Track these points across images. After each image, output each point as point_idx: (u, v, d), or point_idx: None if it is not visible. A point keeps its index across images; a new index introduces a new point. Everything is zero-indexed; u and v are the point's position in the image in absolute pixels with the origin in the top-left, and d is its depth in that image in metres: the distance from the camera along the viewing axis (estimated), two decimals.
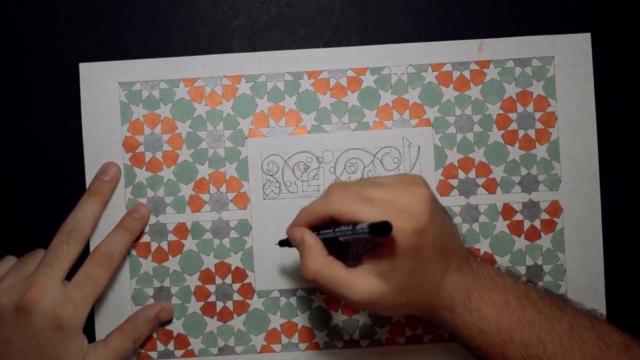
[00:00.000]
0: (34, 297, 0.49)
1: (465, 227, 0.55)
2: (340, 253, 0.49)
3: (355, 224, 0.45)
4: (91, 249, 0.54)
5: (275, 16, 0.56)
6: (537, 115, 0.56)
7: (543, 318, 0.47)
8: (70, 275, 0.51)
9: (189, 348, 0.55)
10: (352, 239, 0.47)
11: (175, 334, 0.55)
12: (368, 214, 0.45)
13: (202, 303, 0.55)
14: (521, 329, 0.47)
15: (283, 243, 0.52)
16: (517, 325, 0.47)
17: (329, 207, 0.47)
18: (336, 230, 0.47)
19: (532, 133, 0.56)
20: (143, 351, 0.55)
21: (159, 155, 0.56)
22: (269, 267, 0.55)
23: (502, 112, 0.56)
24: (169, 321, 0.55)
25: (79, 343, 0.50)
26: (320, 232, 0.48)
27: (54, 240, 0.52)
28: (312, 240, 0.48)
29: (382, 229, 0.43)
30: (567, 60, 0.56)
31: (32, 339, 0.49)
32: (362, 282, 0.46)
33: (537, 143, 0.56)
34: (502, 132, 0.56)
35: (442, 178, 0.55)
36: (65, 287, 0.50)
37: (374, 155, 0.55)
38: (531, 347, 0.46)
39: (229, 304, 0.55)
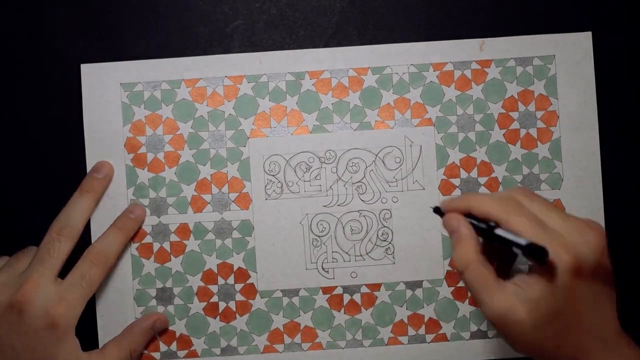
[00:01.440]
0: (26, 295, 0.49)
1: None
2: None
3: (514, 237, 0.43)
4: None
5: (275, 16, 0.56)
6: (539, 114, 0.56)
7: None
8: (63, 273, 0.51)
9: (191, 348, 0.55)
10: (503, 243, 0.44)
11: (178, 334, 0.55)
12: (531, 234, 0.43)
13: (204, 303, 0.55)
14: None
15: (436, 211, 0.48)
16: None
17: (500, 211, 0.45)
18: (495, 229, 0.45)
19: (533, 132, 0.56)
20: (146, 352, 0.55)
21: (160, 155, 0.56)
22: (272, 268, 0.55)
23: (503, 111, 0.56)
24: (165, 330, 0.55)
25: (71, 342, 0.50)
26: (476, 221, 0.46)
27: (46, 237, 0.51)
28: (469, 233, 0.46)
29: (537, 254, 0.41)
30: (569, 59, 0.56)
31: (24, 337, 0.49)
32: (503, 299, 0.43)
33: (538, 142, 0.56)
34: (504, 131, 0.56)
35: (444, 177, 0.55)
36: (59, 286, 0.50)
37: (376, 155, 0.55)
38: None
39: (232, 305, 0.55)
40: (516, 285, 0.44)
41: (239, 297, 0.55)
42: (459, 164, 0.56)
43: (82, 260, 0.52)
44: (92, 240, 0.54)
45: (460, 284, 0.55)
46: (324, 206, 0.55)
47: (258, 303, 0.55)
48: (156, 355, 0.55)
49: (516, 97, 0.56)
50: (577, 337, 0.44)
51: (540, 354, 0.45)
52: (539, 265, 0.43)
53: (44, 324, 0.49)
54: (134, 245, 0.55)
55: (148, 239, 0.55)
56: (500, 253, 0.48)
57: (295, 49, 0.56)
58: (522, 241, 0.42)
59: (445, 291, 0.55)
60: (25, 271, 0.50)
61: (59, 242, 0.51)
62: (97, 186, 0.54)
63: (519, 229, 0.43)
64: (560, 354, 0.44)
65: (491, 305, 0.44)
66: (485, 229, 0.45)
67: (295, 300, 0.55)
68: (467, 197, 0.47)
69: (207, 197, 0.56)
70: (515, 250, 0.42)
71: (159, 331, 0.55)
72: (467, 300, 0.55)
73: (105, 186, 0.55)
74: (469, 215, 0.46)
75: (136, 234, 0.55)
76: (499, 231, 0.44)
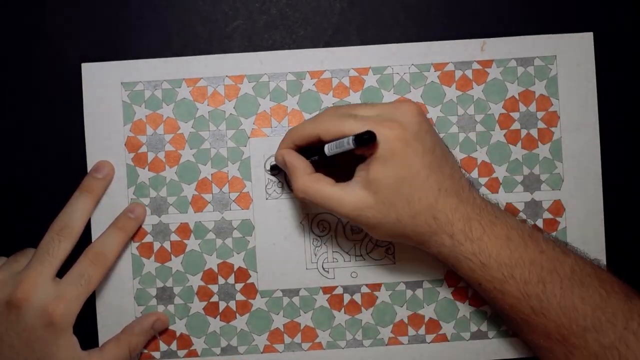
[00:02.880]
0: (24, 293, 0.49)
1: None
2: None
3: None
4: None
5: (275, 16, 0.56)
6: (540, 114, 0.56)
7: (545, 258, 0.47)
8: (61, 273, 0.51)
9: (191, 348, 0.55)
10: (337, 152, 0.47)
11: (178, 334, 0.55)
12: (352, 128, 0.47)
13: (204, 303, 0.55)
14: (522, 266, 0.46)
15: (274, 168, 0.54)
16: (518, 262, 0.47)
17: (316, 125, 0.49)
18: (323, 148, 0.48)
19: (534, 132, 0.56)
20: (146, 351, 0.55)
21: (161, 155, 0.56)
22: (272, 267, 0.55)
23: (504, 111, 0.56)
24: (165, 329, 0.55)
25: (69, 341, 0.50)
26: (311, 158, 0.50)
27: (45, 237, 0.51)
28: (295, 160, 0.50)
29: (365, 139, 0.45)
30: (570, 60, 0.56)
31: (22, 335, 0.49)
32: (350, 194, 0.47)
33: (539, 142, 0.56)
34: (505, 131, 0.56)
35: None
36: (57, 285, 0.50)
37: None
38: (530, 284, 0.46)
39: (232, 304, 0.55)
40: (356, 178, 0.48)
41: (239, 296, 0.55)
42: (459, 164, 0.56)
43: (81, 259, 0.52)
44: (93, 240, 0.54)
45: (461, 284, 0.55)
46: None
47: (258, 303, 0.55)
48: (156, 354, 0.55)
49: (517, 97, 0.56)
50: (429, 197, 0.47)
51: (401, 230, 0.48)
52: (370, 149, 0.46)
53: (42, 322, 0.49)
54: (135, 245, 0.55)
55: (148, 239, 0.55)
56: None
57: (295, 48, 0.56)
58: (349, 139, 0.46)
59: (446, 291, 0.55)
60: (24, 270, 0.50)
61: (58, 241, 0.51)
62: (97, 186, 0.54)
63: (339, 131, 0.47)
64: (418, 221, 0.47)
65: (341, 207, 0.48)
66: (317, 156, 0.49)
67: (296, 300, 0.55)
68: (286, 135, 0.52)
69: (207, 197, 0.56)
70: (346, 146, 0.46)
71: (159, 331, 0.55)
72: (467, 301, 0.55)
73: (106, 186, 0.55)
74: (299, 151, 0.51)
75: (136, 234, 0.55)
76: (326, 147, 0.48)
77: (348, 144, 0.46)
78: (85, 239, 0.53)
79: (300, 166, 0.50)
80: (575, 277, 0.46)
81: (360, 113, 0.48)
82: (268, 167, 0.55)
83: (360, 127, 0.46)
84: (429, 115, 0.56)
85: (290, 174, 0.50)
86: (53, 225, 0.52)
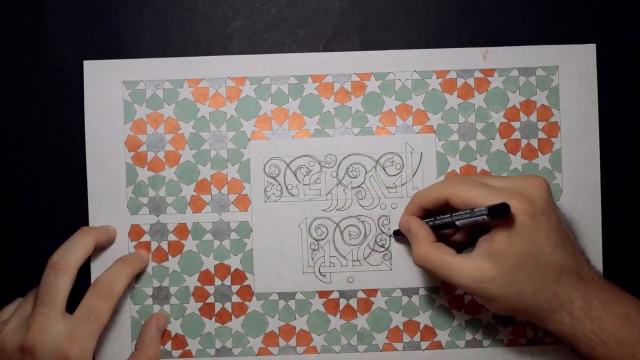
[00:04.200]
0: (35, 339, 0.48)
1: None
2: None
3: (471, 209, 0.47)
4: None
5: (275, 16, 0.56)
6: (540, 124, 0.56)
7: None
8: (72, 306, 0.51)
9: (186, 348, 0.55)
10: (469, 223, 0.48)
11: (173, 334, 0.55)
12: (483, 197, 0.47)
13: (200, 304, 0.55)
14: None
15: (397, 232, 0.54)
16: (638, 339, 0.46)
17: (445, 188, 0.49)
18: (453, 215, 0.49)
19: (534, 142, 0.56)
20: None
21: (161, 155, 0.56)
22: (269, 270, 0.55)
23: (505, 120, 0.56)
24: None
25: None
26: (437, 218, 0.50)
27: (43, 275, 0.50)
28: (418, 228, 0.50)
29: (500, 211, 0.45)
30: (572, 71, 0.56)
31: None
32: (472, 265, 0.47)
33: (539, 152, 0.56)
34: (505, 140, 0.56)
35: None
36: (68, 323, 0.49)
37: (376, 161, 0.55)
38: None
39: (228, 306, 0.55)
40: (479, 248, 0.47)
41: (235, 298, 0.55)
42: (459, 172, 0.56)
43: (88, 293, 0.51)
44: (90, 264, 0.54)
45: (458, 291, 0.55)
46: (323, 210, 0.55)
47: (254, 305, 0.55)
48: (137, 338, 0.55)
49: (518, 107, 0.56)
50: (552, 274, 0.47)
51: (521, 305, 0.47)
52: (502, 221, 0.46)
53: None
54: (132, 244, 0.55)
55: (146, 238, 0.55)
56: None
57: (295, 49, 0.56)
58: (483, 209, 0.46)
59: (442, 299, 0.55)
60: (31, 315, 0.50)
61: (54, 277, 0.50)
62: (98, 230, 0.54)
63: (468, 198, 0.47)
64: (539, 297, 0.47)
65: (461, 275, 0.47)
66: (447, 218, 0.49)
67: (292, 303, 0.55)
68: (413, 197, 0.53)
69: (206, 198, 0.56)
70: (482, 220, 0.46)
71: (164, 329, 0.55)
72: (463, 309, 0.55)
73: (106, 238, 0.54)
74: (427, 217, 0.51)
75: (134, 232, 0.55)
76: (456, 216, 0.48)
77: (481, 215, 0.46)
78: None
79: (423, 234, 0.50)
80: None
81: (491, 183, 0.48)
82: (391, 233, 0.55)
83: (490, 198, 0.46)
84: (429, 123, 0.56)
85: (413, 241, 0.50)
86: (49, 260, 0.51)
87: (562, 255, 0.47)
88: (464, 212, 0.48)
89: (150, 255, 0.55)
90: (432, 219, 0.51)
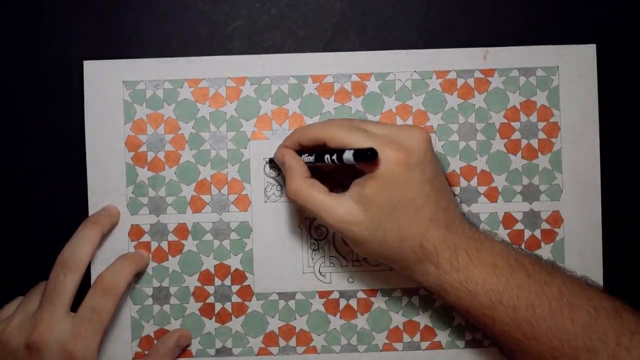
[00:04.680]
0: (40, 336, 0.48)
1: None
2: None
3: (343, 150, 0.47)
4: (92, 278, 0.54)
5: (275, 16, 0.56)
6: (541, 125, 0.56)
7: (532, 282, 0.47)
8: (76, 303, 0.51)
9: (186, 348, 0.55)
10: (338, 162, 0.47)
11: None
12: (358, 142, 0.47)
13: (200, 304, 0.55)
14: (510, 292, 0.47)
15: (272, 161, 0.55)
16: (506, 288, 0.47)
17: (324, 130, 0.49)
18: (325, 154, 0.49)
19: (534, 143, 0.56)
20: (140, 350, 0.55)
21: (161, 155, 0.56)
22: (269, 270, 0.55)
23: (505, 121, 0.56)
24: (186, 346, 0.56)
25: None
26: (309, 154, 0.50)
27: (51, 272, 0.50)
28: (293, 161, 0.50)
29: (366, 155, 0.45)
30: (572, 71, 0.56)
31: None
32: (341, 206, 0.47)
33: (539, 153, 0.56)
34: (505, 141, 0.56)
35: None
36: (72, 321, 0.49)
37: None
38: (520, 309, 0.46)
39: (228, 306, 0.55)
40: (350, 191, 0.48)
41: (235, 298, 0.55)
42: (459, 172, 0.56)
43: (91, 291, 0.51)
44: (92, 263, 0.54)
45: None
46: None
47: (254, 305, 0.55)
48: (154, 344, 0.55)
49: (518, 107, 0.56)
50: (420, 225, 0.47)
51: (385, 252, 0.48)
52: (370, 166, 0.46)
53: None
54: (132, 244, 0.55)
55: (146, 238, 0.55)
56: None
57: (295, 49, 0.56)
58: (350, 150, 0.46)
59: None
60: (37, 311, 0.50)
61: (64, 275, 0.50)
62: (103, 219, 0.54)
63: (345, 142, 0.47)
64: (404, 246, 0.47)
65: (331, 214, 0.48)
66: (316, 157, 0.50)
67: (292, 303, 0.55)
68: (294, 131, 0.52)
69: (206, 198, 0.56)
70: (346, 160, 0.46)
71: (183, 347, 0.55)
72: None
73: (111, 223, 0.54)
74: (301, 151, 0.51)
75: (134, 232, 0.55)
76: (326, 157, 0.48)
77: (347, 158, 0.46)
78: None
79: (297, 168, 0.50)
80: (564, 298, 0.46)
81: (369, 129, 0.48)
82: (267, 166, 0.55)
83: (366, 143, 0.46)
84: (429, 123, 0.56)
85: (287, 174, 0.50)
86: (58, 258, 0.51)
87: (433, 207, 0.47)
88: (332, 151, 0.48)
89: (150, 256, 0.55)
90: (305, 154, 0.51)
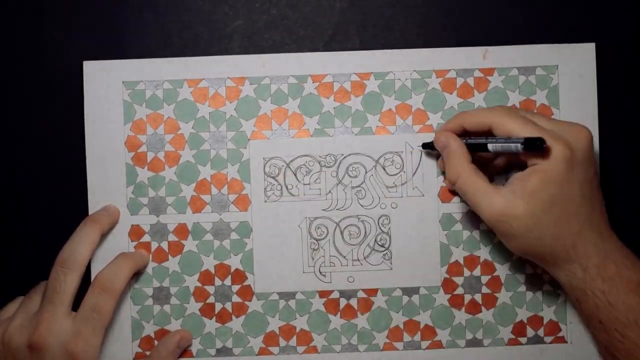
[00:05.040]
0: (42, 337, 0.48)
1: (465, 234, 0.55)
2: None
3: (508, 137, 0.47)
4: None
5: (275, 16, 0.56)
6: None
7: None
8: (77, 303, 0.51)
9: (187, 349, 0.55)
10: (502, 150, 0.48)
11: None
12: (527, 133, 0.46)
13: (201, 304, 0.55)
14: None
15: (426, 145, 0.54)
16: None
17: (493, 115, 0.49)
18: (489, 138, 0.49)
19: None
20: (141, 351, 0.55)
21: (161, 155, 0.56)
22: (269, 270, 0.55)
23: None
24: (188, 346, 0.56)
25: None
26: (471, 137, 0.50)
27: (51, 272, 0.50)
28: (457, 145, 0.50)
29: (535, 145, 0.45)
30: (571, 70, 0.56)
31: None
32: (502, 198, 0.47)
33: None
34: None
35: (444, 185, 0.55)
36: (73, 320, 0.49)
37: (376, 161, 0.55)
38: None
39: (228, 306, 0.55)
40: (512, 185, 0.47)
41: (236, 298, 0.55)
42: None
43: (90, 290, 0.51)
44: (92, 261, 0.54)
45: (458, 291, 0.55)
46: (323, 210, 0.55)
47: (254, 305, 0.55)
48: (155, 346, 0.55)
49: (518, 106, 0.56)
50: (576, 225, 0.47)
51: (538, 249, 0.48)
52: (537, 156, 0.46)
53: None
54: (132, 244, 0.55)
55: (146, 238, 0.55)
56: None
57: (295, 49, 0.56)
58: (519, 139, 0.46)
59: (442, 298, 0.55)
60: (38, 311, 0.50)
61: (63, 274, 0.50)
62: (102, 219, 0.54)
63: (512, 129, 0.47)
64: (558, 244, 0.47)
65: (490, 205, 0.47)
66: (481, 139, 0.49)
67: (292, 303, 0.55)
68: (458, 115, 0.52)
69: (206, 198, 0.56)
70: (515, 149, 0.46)
71: (184, 348, 0.55)
72: (463, 308, 0.55)
73: (111, 223, 0.54)
74: (463, 135, 0.51)
75: (134, 233, 0.55)
76: (491, 139, 0.48)
77: (516, 144, 0.46)
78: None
79: (461, 152, 0.50)
80: None
81: (537, 121, 0.48)
82: (422, 151, 0.55)
83: (535, 134, 0.46)
84: (428, 122, 0.56)
85: (450, 157, 0.50)
86: (57, 258, 0.51)
87: (589, 208, 0.47)
88: (499, 138, 0.48)
89: (151, 256, 0.55)
90: (465, 138, 0.51)
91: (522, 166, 0.49)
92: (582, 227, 0.47)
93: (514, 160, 0.51)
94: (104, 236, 0.54)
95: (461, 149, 0.50)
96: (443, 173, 0.54)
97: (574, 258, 0.47)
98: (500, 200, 0.47)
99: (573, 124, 0.49)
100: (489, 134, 0.50)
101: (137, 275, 0.55)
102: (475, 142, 0.50)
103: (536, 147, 0.45)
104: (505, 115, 0.48)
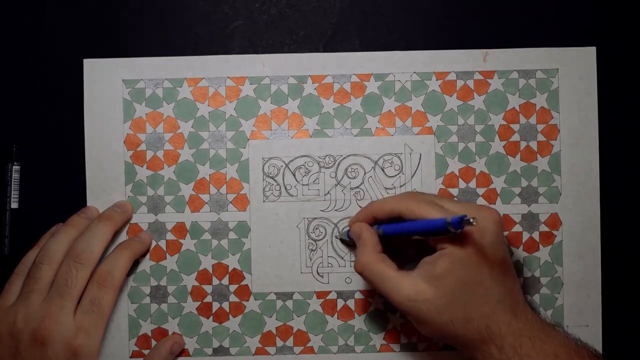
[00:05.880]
0: (47, 330, 0.49)
1: None
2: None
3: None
4: None
5: (275, 16, 0.56)
6: (540, 127, 0.56)
7: None
8: None
9: (184, 347, 0.55)
10: (423, 236, 0.47)
11: (170, 333, 0.55)
12: (436, 216, 0.46)
13: (198, 303, 0.55)
14: None
15: (343, 241, 0.55)
16: None
17: (402, 203, 0.49)
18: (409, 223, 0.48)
19: (534, 145, 0.56)
20: (137, 349, 0.55)
21: (160, 154, 0.56)
22: (267, 270, 0.55)
23: (504, 122, 0.56)
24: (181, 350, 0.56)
25: None
26: (382, 226, 0.50)
27: (63, 265, 0.51)
28: (369, 235, 0.50)
29: (467, 222, 0.43)
30: (572, 74, 0.55)
31: None
32: (409, 283, 0.47)
33: (538, 155, 0.56)
34: (504, 142, 0.56)
35: (443, 187, 0.55)
36: (75, 316, 0.50)
37: (375, 162, 0.55)
38: None
39: (225, 305, 0.55)
40: (420, 269, 0.47)
41: (233, 298, 0.55)
42: (457, 174, 0.56)
43: (90, 284, 0.51)
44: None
45: None
46: (322, 211, 0.55)
47: (252, 305, 0.55)
48: (148, 352, 0.55)
49: (518, 109, 0.56)
50: (487, 307, 0.47)
51: (451, 332, 0.47)
52: (445, 240, 0.46)
53: (67, 355, 0.49)
54: None
55: None
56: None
57: (295, 49, 0.56)
58: (441, 220, 0.45)
59: None
60: (46, 303, 0.50)
61: (75, 270, 0.50)
62: (117, 216, 0.54)
63: (423, 215, 0.47)
64: (470, 327, 0.47)
65: (398, 291, 0.47)
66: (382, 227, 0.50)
67: (289, 303, 0.55)
68: (368, 205, 0.52)
69: (205, 197, 0.56)
70: (442, 232, 0.45)
71: (177, 353, 0.55)
72: None
73: (124, 220, 0.55)
74: (377, 223, 0.51)
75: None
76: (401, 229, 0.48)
77: (443, 228, 0.44)
78: None
79: (371, 242, 0.50)
80: None
81: (446, 205, 0.48)
82: (338, 242, 0.55)
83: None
84: (428, 124, 0.56)
85: (360, 247, 0.50)
86: (70, 252, 0.51)
87: (500, 289, 0.47)
88: (417, 223, 0.47)
89: (149, 255, 0.55)
90: (385, 224, 0.51)
91: (431, 251, 0.48)
92: (495, 309, 0.47)
93: (423, 245, 0.50)
94: (117, 233, 0.54)
95: (371, 238, 0.50)
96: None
97: (487, 339, 0.47)
98: (408, 285, 0.47)
99: (481, 206, 0.48)
100: (399, 220, 0.49)
101: (134, 273, 0.55)
102: (395, 231, 0.50)
103: (467, 223, 0.43)
104: (413, 202, 0.48)
